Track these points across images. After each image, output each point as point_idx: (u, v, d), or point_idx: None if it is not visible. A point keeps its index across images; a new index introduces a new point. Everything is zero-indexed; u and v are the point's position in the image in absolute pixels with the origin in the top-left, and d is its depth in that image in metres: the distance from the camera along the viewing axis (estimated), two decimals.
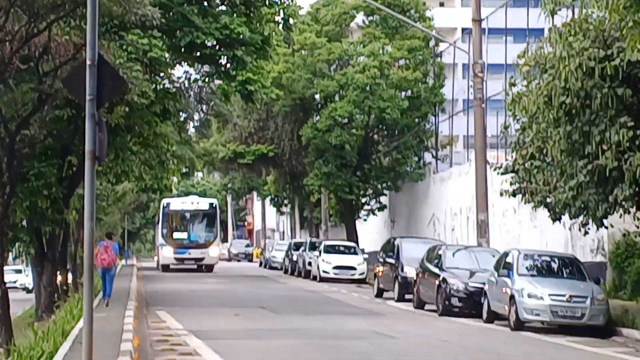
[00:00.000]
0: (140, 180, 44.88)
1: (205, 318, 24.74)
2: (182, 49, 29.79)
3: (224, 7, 30.26)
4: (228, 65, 31.42)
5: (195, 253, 53.71)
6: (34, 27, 24.08)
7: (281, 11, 32.95)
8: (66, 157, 29.15)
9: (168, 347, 18.71)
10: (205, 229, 54.87)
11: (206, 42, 29.92)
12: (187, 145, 41.94)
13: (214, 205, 55.29)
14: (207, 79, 35.45)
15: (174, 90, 33.81)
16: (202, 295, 34.46)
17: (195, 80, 37.03)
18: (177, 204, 56.48)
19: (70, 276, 43.26)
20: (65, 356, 15.91)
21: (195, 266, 56.45)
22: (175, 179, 53.73)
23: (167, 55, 29.21)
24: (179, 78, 35.86)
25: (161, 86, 31.43)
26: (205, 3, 30.16)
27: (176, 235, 53.58)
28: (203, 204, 57.39)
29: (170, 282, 44.30)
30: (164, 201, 57.47)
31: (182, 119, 38.41)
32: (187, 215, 55.17)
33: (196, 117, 44.37)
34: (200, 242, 54.55)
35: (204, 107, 42.18)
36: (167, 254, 52.47)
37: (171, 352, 17.98)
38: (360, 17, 55.39)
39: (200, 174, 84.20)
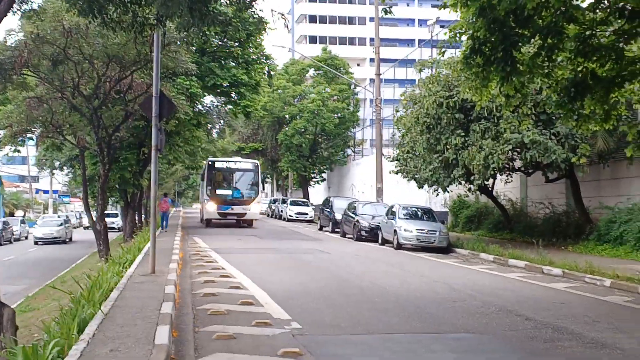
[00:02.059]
0: (184, 163, 45.47)
1: (221, 241, 24.87)
2: (209, 87, 29.74)
3: (233, 64, 30.22)
4: (235, 97, 31.42)
5: (237, 209, 37.31)
6: (123, 73, 23.96)
7: (266, 67, 33.02)
8: (141, 148, 29.10)
9: (199, 257, 19.05)
10: (247, 186, 37.82)
11: (223, 83, 29.89)
12: (211, 143, 42.06)
13: (255, 165, 39.15)
14: (223, 105, 35.52)
15: (204, 111, 34.18)
16: (220, 229, 34.44)
17: (217, 106, 37.13)
18: (221, 162, 39.04)
19: (143, 218, 44.01)
20: (140, 261, 15.87)
21: (235, 220, 38.19)
22: (205, 162, 52.75)
23: (200, 90, 29.17)
24: (207, 104, 35.89)
25: (197, 109, 31.44)
26: (223, 62, 30.10)
27: (220, 191, 37.08)
28: (246, 163, 39.66)
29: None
30: (209, 160, 39.48)
31: (209, 127, 38.52)
32: (231, 173, 38.13)
33: (217, 127, 44.19)
34: (243, 198, 37.59)
35: (222, 121, 42.14)
36: (210, 209, 36.87)
37: (200, 260, 18.43)
38: (311, 71, 55.60)
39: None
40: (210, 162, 37.49)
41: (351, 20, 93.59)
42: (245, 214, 36.43)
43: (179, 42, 23.56)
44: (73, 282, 12.78)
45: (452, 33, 12.43)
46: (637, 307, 12.00)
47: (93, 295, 10.37)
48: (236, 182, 37.02)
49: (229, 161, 39.09)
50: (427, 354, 8.08)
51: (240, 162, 38.84)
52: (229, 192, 36.60)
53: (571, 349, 8.56)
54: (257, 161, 39.88)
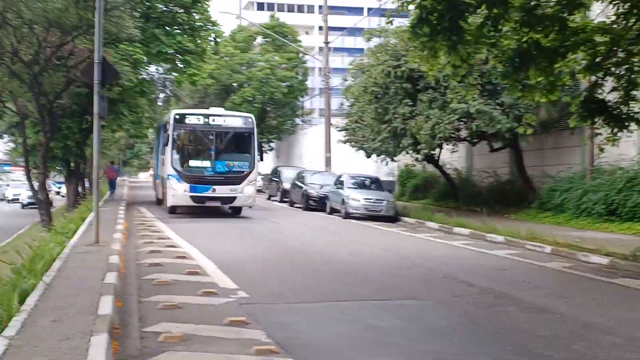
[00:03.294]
0: (127, 131, 44.62)
1: (165, 211, 24.44)
2: (154, 54, 29.19)
3: (178, 30, 29.70)
4: (181, 64, 30.92)
5: (222, 190, 23.40)
6: (64, 38, 23.40)
7: (213, 34, 32.55)
8: (84, 116, 28.41)
9: (145, 227, 18.89)
10: (237, 155, 23.99)
11: (168, 50, 29.39)
12: (156, 112, 41.19)
13: (250, 121, 24.64)
14: (168, 72, 34.89)
15: (148, 78, 33.42)
16: None
17: (161, 73, 36.37)
18: (196, 117, 24.19)
19: (87, 187, 43.03)
20: (84, 231, 15.66)
21: (218, 206, 24.50)
22: (150, 130, 50.82)
23: (144, 57, 28.62)
24: (152, 72, 35.20)
25: (141, 76, 30.84)
26: (167, 28, 29.56)
27: (194, 163, 23.77)
28: (235, 118, 25.04)
29: (146, 190, 43.47)
30: (175, 113, 24.68)
31: (153, 96, 37.73)
32: (212, 134, 23.74)
33: (162, 95, 43.36)
34: (231, 174, 23.61)
35: (167, 89, 41.35)
36: (179, 190, 23.12)
37: (146, 229, 18.31)
38: (259, 39, 54.93)
39: None
40: (177, 116, 23.91)
41: None
42: (235, 198, 23.58)
43: (122, 7, 23.05)
44: (14, 253, 12.55)
45: (400, 2, 12.45)
46: (576, 273, 12.36)
47: (35, 265, 10.17)
48: (220, 149, 23.73)
49: (208, 115, 24.34)
50: (372, 320, 8.18)
51: (226, 116, 24.97)
52: (208, 164, 23.44)
53: (512, 314, 8.79)
54: (251, 115, 25.62)
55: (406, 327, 7.96)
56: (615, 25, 12.60)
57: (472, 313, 8.81)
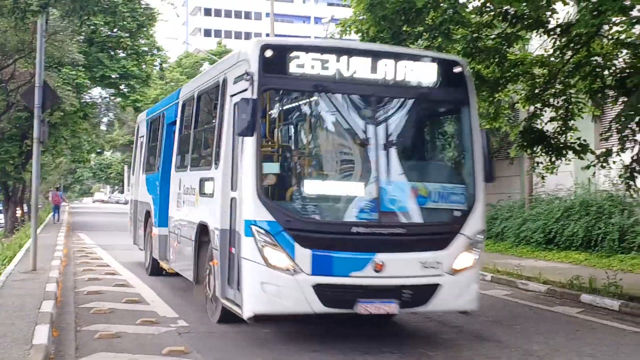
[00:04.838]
0: (67, 157, 44.05)
1: (107, 237, 24.06)
2: (97, 79, 28.94)
3: (123, 55, 29.55)
4: (125, 89, 30.71)
5: (399, 266, 7.36)
6: (5, 61, 23.00)
7: (158, 59, 32.51)
8: (24, 140, 27.96)
9: (84, 254, 18.46)
10: (433, 167, 8.64)
11: (112, 75, 29.17)
12: (99, 137, 40.73)
13: (461, 77, 8.07)
14: (112, 97, 34.60)
15: (91, 102, 33.08)
16: (107, 224, 33.42)
17: (105, 98, 36.02)
18: (322, 62, 7.42)
19: (25, 212, 42.52)
20: (21, 258, 15.32)
21: (388, 312, 7.72)
22: (93, 155, 49.70)
23: (87, 81, 28.35)
24: (95, 96, 34.91)
25: (84, 100, 30.53)
26: (112, 52, 29.38)
27: (319, 187, 7.59)
28: (426, 68, 7.97)
29: (87, 216, 42.72)
30: (262, 45, 7.36)
31: (96, 121, 37.33)
32: (373, 111, 7.55)
33: (105, 119, 42.96)
34: (422, 220, 7.68)
35: (110, 113, 40.98)
36: (280, 266, 7.15)
37: (85, 256, 17.79)
38: (206, 65, 54.99)
39: (108, 153, 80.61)
40: (267, 54, 7.45)
41: (247, 15, 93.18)
42: (434, 287, 7.69)
43: (65, 31, 22.78)
44: None
45: (343, 27, 12.61)
46: (515, 301, 12.48)
47: None
48: (391, 151, 7.73)
49: (361, 52, 7.91)
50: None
51: (409, 58, 8.17)
52: (360, 189, 7.63)
53: (454, 342, 8.84)
54: (463, 61, 8.76)
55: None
56: (553, 58, 13.02)
57: (416, 340, 8.80)
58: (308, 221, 7.43)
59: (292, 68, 7.55)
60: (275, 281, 7.23)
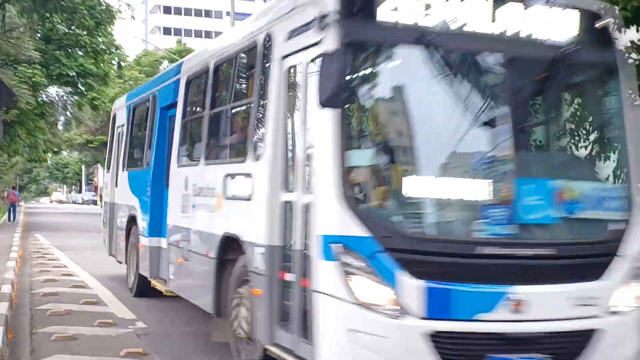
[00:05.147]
0: (23, 156, 43.46)
1: (64, 238, 23.75)
2: (54, 77, 28.58)
3: (81, 53, 29.25)
4: (83, 88, 30.39)
5: (544, 305, 4.95)
6: None
7: (116, 57, 32.26)
8: None
9: (40, 255, 18.14)
10: (578, 161, 5.91)
11: (69, 73, 28.83)
12: (56, 136, 40.19)
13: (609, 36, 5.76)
14: (69, 96, 34.21)
15: (48, 101, 32.66)
16: (63, 224, 32.95)
17: (62, 96, 35.57)
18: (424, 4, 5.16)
19: None
20: None
21: None
22: (50, 154, 48.89)
23: (44, 80, 27.99)
24: (51, 94, 34.49)
25: (41, 99, 30.13)
26: (69, 50, 29.06)
27: (430, 192, 5.03)
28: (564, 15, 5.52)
29: (44, 216, 42.07)
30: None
31: (53, 119, 36.82)
32: (509, 80, 5.27)
33: (62, 118, 42.43)
34: (570, 239, 5.30)
35: (68, 112, 40.47)
36: (379, 303, 4.77)
37: (42, 257, 17.44)
38: (165, 63, 54.72)
39: (65, 152, 79.44)
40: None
41: (207, 14, 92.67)
42: (588, 335, 5.18)
43: (21, 29, 22.44)
44: None
45: None
46: None
47: None
48: (527, 136, 5.74)
49: None
50: None
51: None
52: (488, 191, 5.13)
53: None
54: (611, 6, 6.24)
55: None
56: None
57: None
58: (419, 238, 5.06)
59: (384, 14, 5.21)
60: (370, 328, 4.84)
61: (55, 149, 51.50)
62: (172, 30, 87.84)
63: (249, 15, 8.32)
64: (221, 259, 7.12)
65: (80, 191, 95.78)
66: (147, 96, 11.53)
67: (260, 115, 6.45)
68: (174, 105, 9.67)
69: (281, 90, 6.03)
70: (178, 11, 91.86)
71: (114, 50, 31.36)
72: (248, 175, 6.50)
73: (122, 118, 13.38)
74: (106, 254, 13.99)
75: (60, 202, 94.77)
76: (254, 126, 6.58)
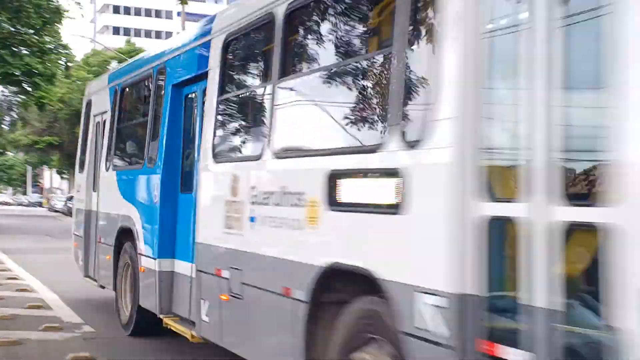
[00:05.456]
0: None
1: (9, 241, 23.24)
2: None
3: (27, 52, 28.75)
4: (29, 87, 29.87)
5: None
6: None
7: (63, 57, 31.84)
8: None
9: None
10: None
11: (15, 72, 28.32)
12: (1, 136, 39.30)
13: None
14: (15, 95, 33.58)
15: None
16: (8, 227, 32.24)
17: (7, 96, 34.87)
18: None
19: None
20: None
21: None
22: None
23: None
24: None
25: None
26: (15, 49, 28.54)
27: None
28: None
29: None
30: None
31: None
32: None
33: (8, 118, 41.57)
34: None
35: (13, 112, 39.68)
36: None
37: None
38: (114, 63, 54.08)
39: (10, 153, 77.72)
40: None
41: (158, 14, 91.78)
42: None
43: None
44: None
45: None
46: None
47: None
48: None
49: None
50: None
51: None
52: None
53: None
54: None
55: None
56: None
57: None
58: None
59: None
60: None
61: (0, 150, 50.43)
62: (122, 30, 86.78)
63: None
64: (316, 301, 4.69)
65: (25, 193, 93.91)
66: (143, 73, 9.19)
67: (417, 67, 3.86)
68: (194, 80, 7.41)
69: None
70: (128, 11, 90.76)
71: (61, 50, 30.90)
72: (394, 173, 3.82)
73: (102, 104, 10.74)
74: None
75: (6, 204, 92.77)
76: (405, 94, 3.88)
